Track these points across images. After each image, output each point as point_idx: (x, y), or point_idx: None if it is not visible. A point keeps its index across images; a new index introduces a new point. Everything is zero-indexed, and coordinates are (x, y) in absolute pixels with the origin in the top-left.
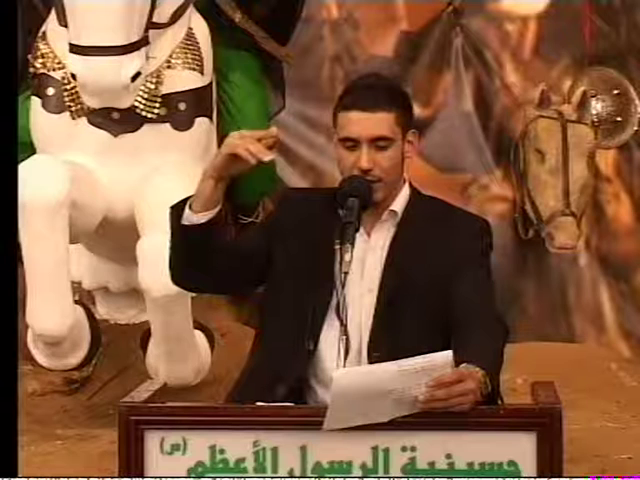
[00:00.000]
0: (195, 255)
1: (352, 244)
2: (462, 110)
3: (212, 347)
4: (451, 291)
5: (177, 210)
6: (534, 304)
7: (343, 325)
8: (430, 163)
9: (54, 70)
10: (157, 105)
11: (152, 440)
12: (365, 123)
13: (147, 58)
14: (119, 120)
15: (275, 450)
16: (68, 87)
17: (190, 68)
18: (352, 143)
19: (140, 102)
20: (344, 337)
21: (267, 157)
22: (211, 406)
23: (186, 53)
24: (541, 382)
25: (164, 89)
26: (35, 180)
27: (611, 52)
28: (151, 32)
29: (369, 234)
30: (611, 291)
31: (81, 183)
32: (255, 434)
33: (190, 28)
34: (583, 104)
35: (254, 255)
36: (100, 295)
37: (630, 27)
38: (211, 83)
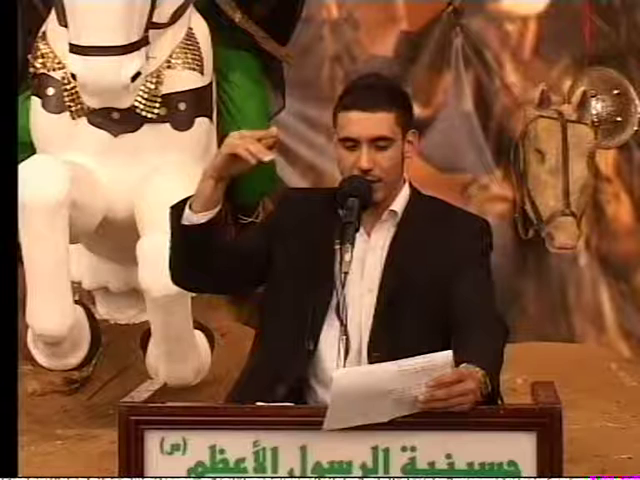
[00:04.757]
0: (195, 255)
1: (352, 244)
2: (462, 110)
3: (212, 347)
4: (451, 291)
5: (177, 210)
6: (534, 304)
7: (343, 325)
8: (430, 163)
9: (54, 70)
10: (157, 105)
11: (152, 440)
12: (365, 123)
13: (147, 58)
14: (119, 120)
15: (275, 450)
16: (68, 87)
17: (190, 68)
18: (352, 143)
19: (140, 102)
20: (344, 337)
21: (267, 157)
22: (211, 406)
23: (186, 53)
24: (541, 382)
25: (164, 89)
26: (35, 180)
27: (611, 52)
28: (151, 32)
29: (369, 234)
30: (611, 291)
31: (81, 183)
32: (255, 434)
33: (190, 28)
34: (583, 104)
35: (254, 255)
36: (100, 295)
37: (630, 27)
38: (211, 83)
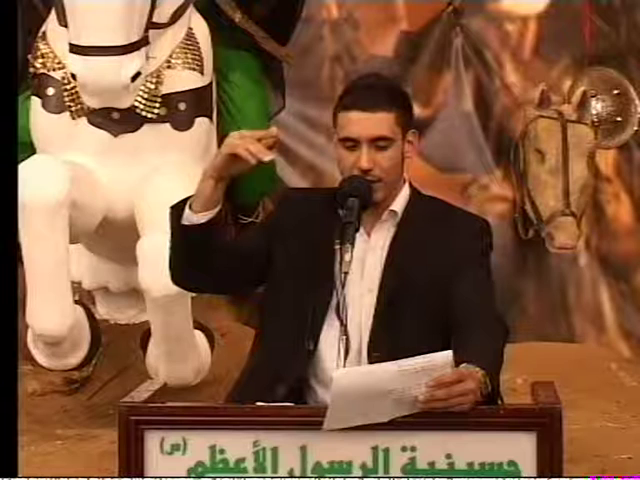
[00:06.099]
0: (195, 255)
1: (352, 244)
2: (462, 110)
3: (212, 347)
4: (451, 291)
5: (177, 210)
6: (534, 304)
7: (343, 325)
8: (430, 163)
9: (54, 70)
10: (157, 105)
11: (152, 440)
12: (365, 123)
13: (147, 58)
14: (119, 120)
15: (275, 450)
16: (68, 87)
17: (190, 68)
18: (352, 143)
19: (140, 102)
20: (344, 337)
21: (267, 157)
22: (211, 406)
23: (186, 53)
24: (541, 382)
25: (164, 89)
26: (35, 180)
27: (611, 52)
28: (151, 32)
29: (369, 234)
30: (611, 291)
31: (81, 183)
32: (255, 434)
33: (190, 28)
34: (583, 104)
35: (254, 255)
36: (100, 295)
37: (630, 27)
38: (211, 83)
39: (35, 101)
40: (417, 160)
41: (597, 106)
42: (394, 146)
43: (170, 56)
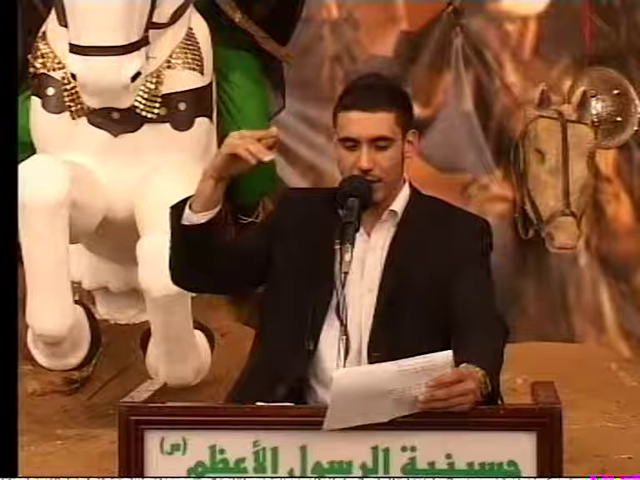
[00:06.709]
0: (195, 255)
1: (352, 244)
2: (462, 110)
3: (212, 347)
4: (451, 291)
5: (177, 210)
6: (534, 304)
7: (343, 325)
8: (430, 163)
9: (54, 70)
10: (157, 105)
11: (152, 440)
12: (365, 123)
13: (147, 58)
14: (119, 120)
15: (275, 450)
16: (68, 87)
17: (190, 68)
18: (352, 143)
19: (140, 102)
20: (344, 337)
21: (267, 157)
22: (211, 406)
23: (186, 53)
24: (541, 382)
25: (164, 89)
26: (35, 180)
27: (611, 52)
28: (151, 32)
29: (369, 234)
30: (611, 291)
31: (81, 183)
32: (255, 434)
33: (190, 28)
34: (583, 104)
35: (254, 255)
36: (100, 295)
37: (630, 27)
38: (211, 83)
39: (35, 101)
40: (417, 160)
41: (597, 106)
42: (394, 146)
43: (170, 56)
